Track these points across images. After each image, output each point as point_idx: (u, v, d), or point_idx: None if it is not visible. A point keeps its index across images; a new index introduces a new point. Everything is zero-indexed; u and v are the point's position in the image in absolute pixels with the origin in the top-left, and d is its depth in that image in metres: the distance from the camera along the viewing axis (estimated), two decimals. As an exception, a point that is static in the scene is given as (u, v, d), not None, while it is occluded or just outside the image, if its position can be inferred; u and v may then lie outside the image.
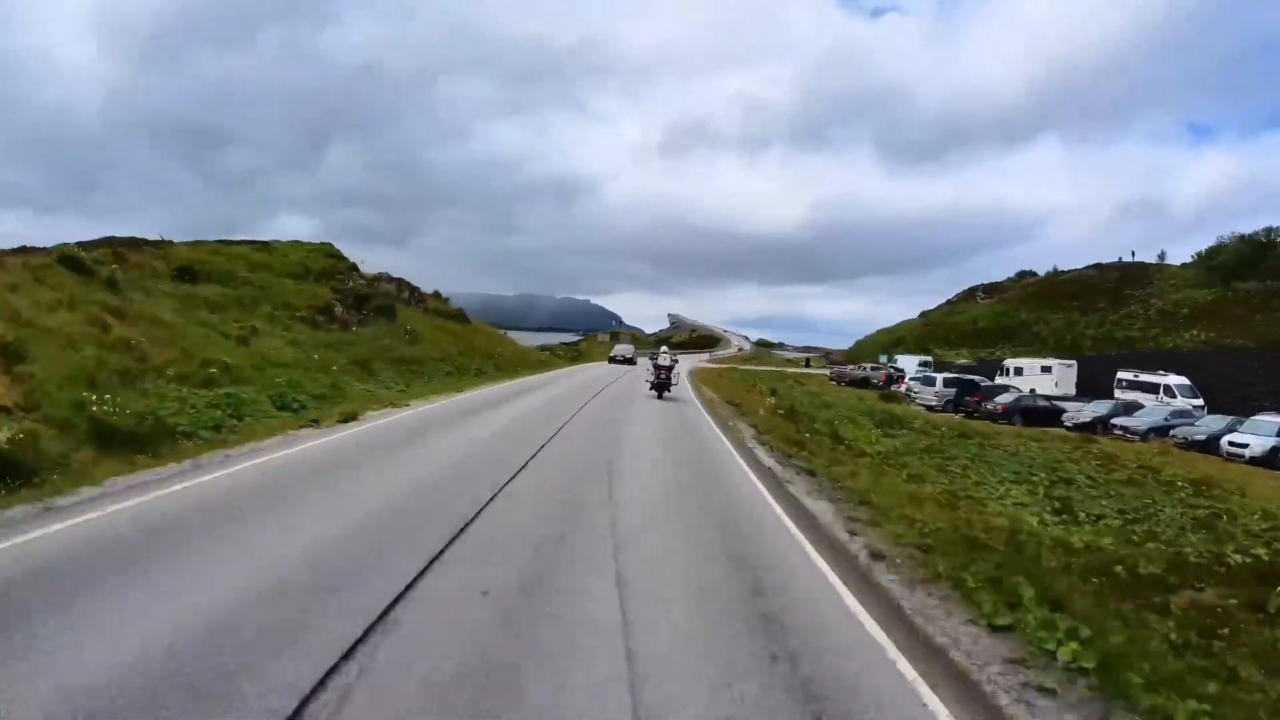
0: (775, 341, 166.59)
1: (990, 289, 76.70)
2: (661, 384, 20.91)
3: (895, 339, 72.07)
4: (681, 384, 23.95)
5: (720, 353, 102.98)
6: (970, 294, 77.25)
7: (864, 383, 42.38)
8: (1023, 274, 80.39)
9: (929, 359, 48.63)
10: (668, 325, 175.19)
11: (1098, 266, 69.53)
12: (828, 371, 56.18)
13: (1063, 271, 72.66)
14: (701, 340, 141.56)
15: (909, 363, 46.98)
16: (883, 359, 52.35)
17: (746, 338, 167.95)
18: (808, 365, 74.23)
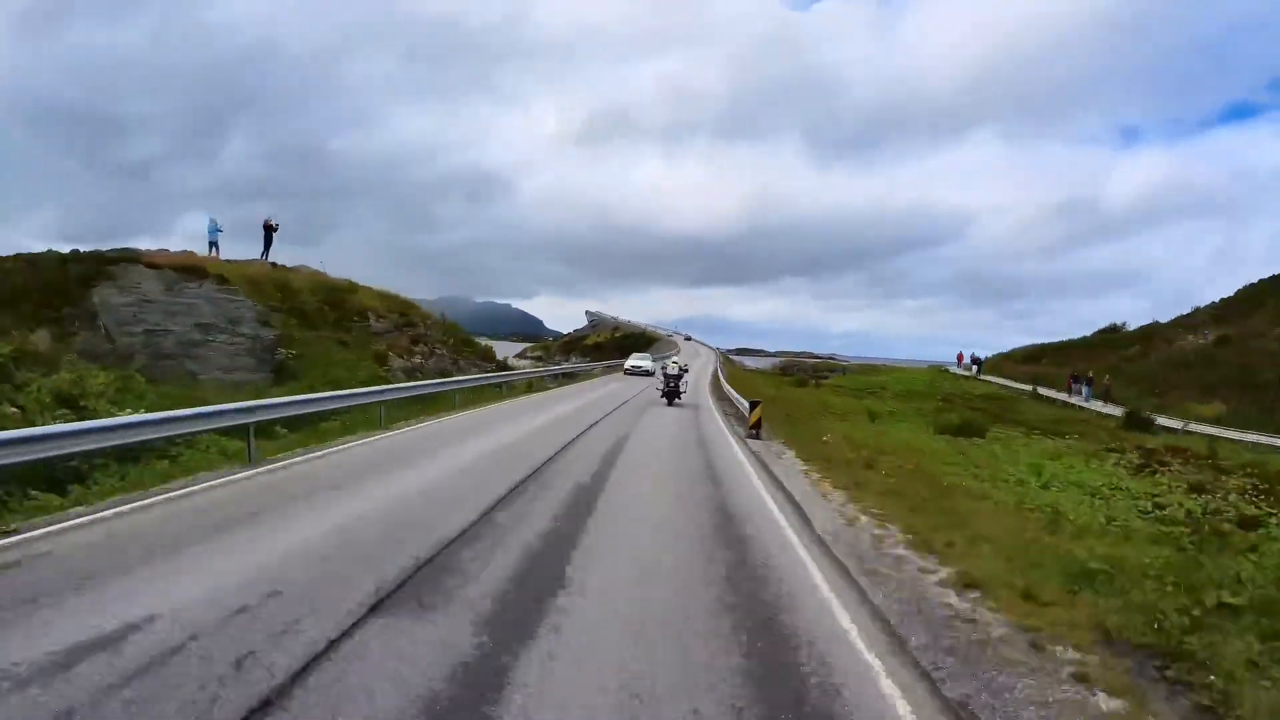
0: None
1: None
2: (671, 392, 21.89)
3: None
4: None
5: (695, 360, 49.79)
6: None
7: None
8: None
9: None
10: (585, 324, 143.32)
11: None
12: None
13: None
14: (628, 340, 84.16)
15: None
16: None
17: (689, 337, 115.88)
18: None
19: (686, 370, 23.67)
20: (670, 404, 21.12)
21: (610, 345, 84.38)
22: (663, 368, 23.92)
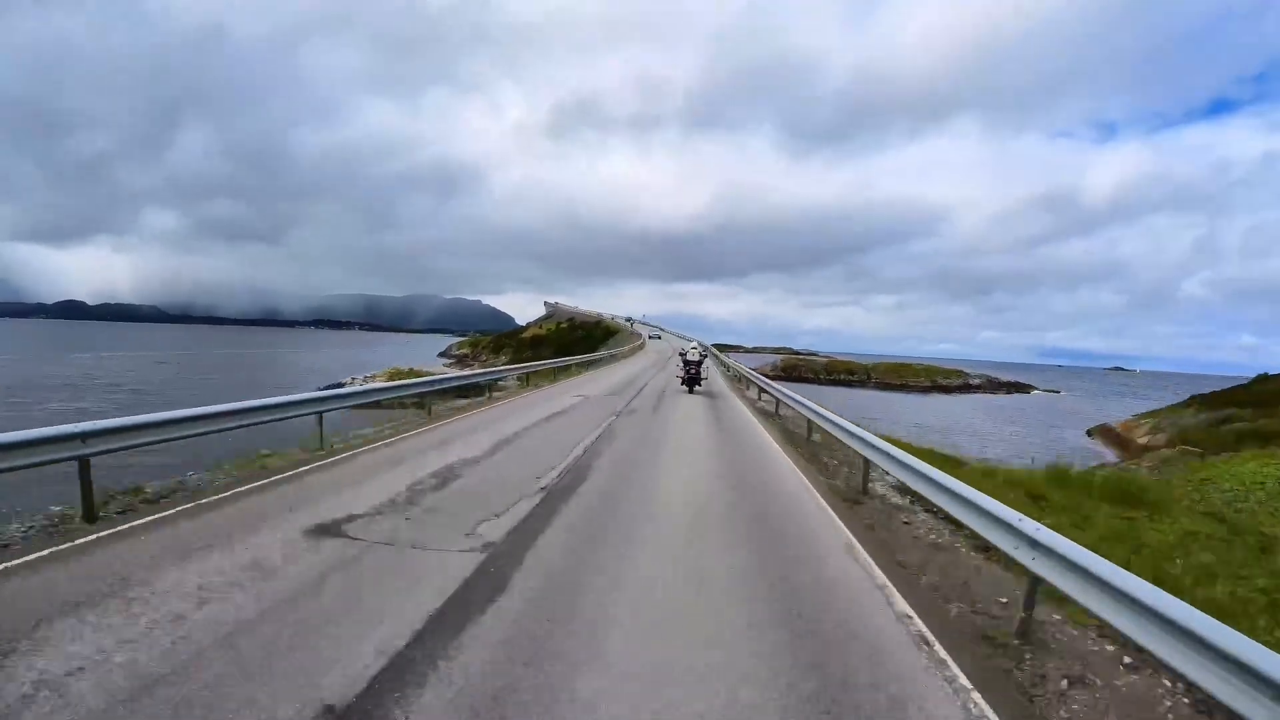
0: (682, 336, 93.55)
1: None
2: (692, 379, 22.56)
3: None
4: None
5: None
6: None
7: None
8: None
9: None
10: (544, 313, 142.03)
11: None
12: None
13: None
14: (578, 332, 65.93)
15: None
16: None
17: (630, 319, 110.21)
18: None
19: (706, 356, 24.90)
20: (690, 391, 22.02)
21: (552, 339, 65.04)
22: (682, 353, 24.99)
